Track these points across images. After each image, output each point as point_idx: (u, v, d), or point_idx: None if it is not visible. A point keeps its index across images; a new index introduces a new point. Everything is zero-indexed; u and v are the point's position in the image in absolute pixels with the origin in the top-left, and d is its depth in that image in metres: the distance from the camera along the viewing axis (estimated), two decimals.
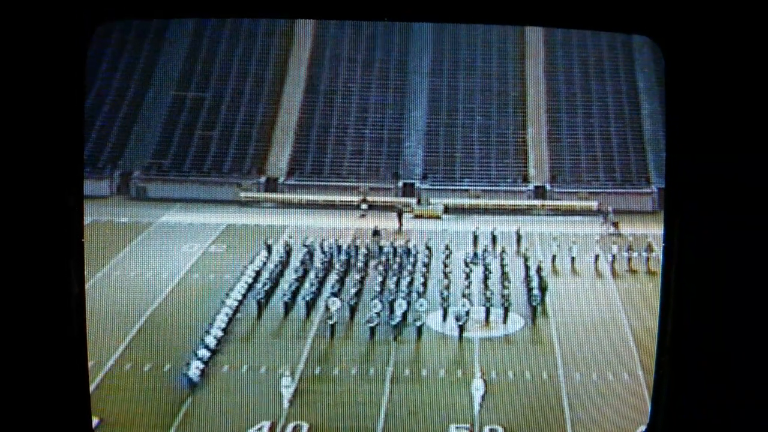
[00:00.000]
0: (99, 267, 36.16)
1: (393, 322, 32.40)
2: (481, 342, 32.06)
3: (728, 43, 11.00)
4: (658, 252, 36.90)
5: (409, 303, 33.55)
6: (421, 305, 33.06)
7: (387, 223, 43.00)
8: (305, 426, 26.63)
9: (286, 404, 27.39)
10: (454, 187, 48.56)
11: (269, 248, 38.33)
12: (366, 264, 37.36)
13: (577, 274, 38.00)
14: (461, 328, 32.31)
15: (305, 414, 27.18)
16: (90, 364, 12.51)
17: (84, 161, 12.01)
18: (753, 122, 11.13)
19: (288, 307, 33.89)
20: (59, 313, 11.41)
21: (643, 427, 23.27)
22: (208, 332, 30.76)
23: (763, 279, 11.24)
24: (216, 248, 39.95)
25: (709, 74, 11.09)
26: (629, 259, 38.53)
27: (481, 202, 47.30)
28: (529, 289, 35.32)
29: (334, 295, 34.08)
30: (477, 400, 27.50)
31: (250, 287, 34.72)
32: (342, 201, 46.58)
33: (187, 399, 27.79)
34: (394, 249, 38.70)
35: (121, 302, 33.16)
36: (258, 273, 35.98)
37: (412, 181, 48.92)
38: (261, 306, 33.71)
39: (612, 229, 42.70)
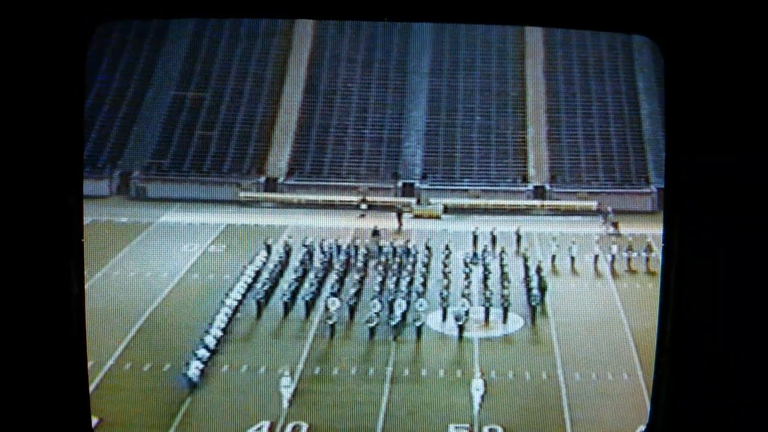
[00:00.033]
0: (99, 267, 36.15)
1: (392, 322, 32.39)
2: (480, 342, 32.06)
3: (728, 43, 11.00)
4: (657, 252, 36.90)
5: (408, 303, 33.55)
6: (420, 305, 33.06)
7: (387, 223, 43.00)
8: (305, 426, 26.63)
9: (285, 404, 27.39)
10: (453, 187, 48.56)
11: (269, 248, 38.32)
12: (365, 264, 37.36)
13: (576, 274, 38.00)
14: (461, 328, 32.31)
15: (305, 414, 27.19)
16: (90, 363, 12.51)
17: (84, 161, 12.01)
18: (753, 122, 11.14)
19: (287, 307, 33.89)
20: (59, 313, 11.41)
21: (643, 427, 23.28)
22: (207, 332, 30.75)
23: (763, 279, 11.25)
24: (215, 248, 39.94)
25: (708, 74, 11.09)
26: (629, 260, 38.53)
27: (481, 202, 47.29)
28: (529, 289, 35.32)
29: (334, 295, 34.08)
30: (476, 400, 27.50)
31: (250, 287, 34.71)
32: (341, 201, 46.58)
33: (187, 399, 27.79)
34: (394, 249, 38.69)
35: (121, 302, 33.16)
36: (257, 273, 35.97)
37: (412, 181, 48.91)
38: (260, 306, 33.71)
39: (611, 229, 42.70)
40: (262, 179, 48.90)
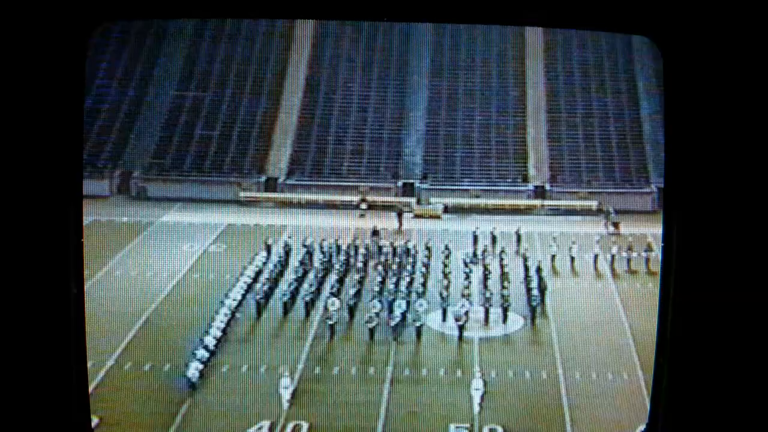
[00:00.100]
0: (99, 267, 36.17)
1: (392, 323, 32.38)
2: (480, 342, 32.07)
3: (728, 43, 11.01)
4: (657, 252, 36.89)
5: (408, 303, 33.55)
6: (420, 305, 33.06)
7: (387, 222, 43.00)
8: (305, 426, 26.64)
9: (285, 405, 27.39)
10: (453, 187, 48.57)
11: (269, 248, 38.32)
12: (365, 264, 37.35)
13: (576, 274, 38.00)
14: (461, 328, 32.30)
15: (305, 414, 27.19)
16: (90, 363, 12.51)
17: (84, 161, 12.02)
18: (752, 122, 11.14)
19: (287, 307, 33.89)
20: (58, 313, 11.41)
21: (642, 427, 23.29)
22: (207, 333, 30.73)
23: (763, 279, 11.25)
24: (216, 248, 39.95)
25: (708, 74, 11.10)
26: (629, 259, 38.53)
27: (481, 201, 47.30)
28: (529, 289, 35.31)
29: (334, 295, 34.07)
30: (476, 400, 27.50)
31: (250, 287, 34.70)
32: (342, 201, 46.59)
33: (187, 399, 27.79)
34: (394, 249, 38.69)
35: (121, 302, 33.17)
36: (257, 273, 35.96)
37: (412, 180, 48.92)
38: (260, 306, 33.70)
39: (612, 229, 42.71)
40: (263, 179, 48.91)
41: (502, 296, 34.18)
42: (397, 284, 35.56)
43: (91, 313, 12.59)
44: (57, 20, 10.79)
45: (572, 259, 38.64)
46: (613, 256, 38.78)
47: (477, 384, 27.77)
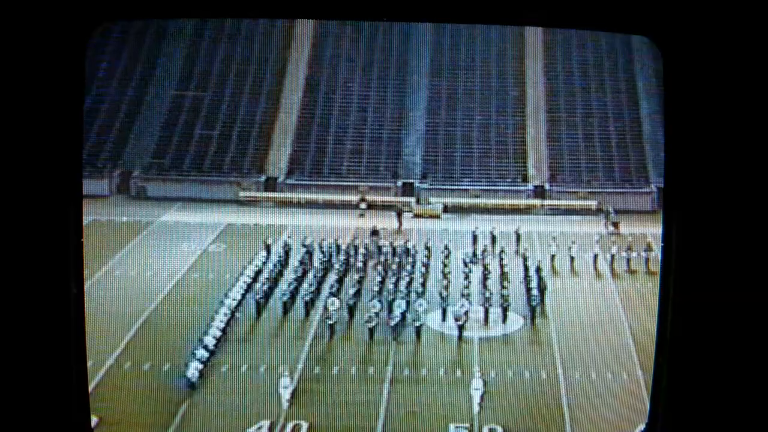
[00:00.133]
0: (99, 266, 36.17)
1: (392, 322, 32.37)
2: (480, 342, 32.07)
3: (728, 42, 11.01)
4: (657, 252, 36.90)
5: (408, 303, 33.55)
6: (420, 305, 33.05)
7: (386, 222, 43.01)
8: (305, 425, 26.64)
9: (285, 405, 27.39)
10: (453, 187, 48.57)
11: (268, 248, 38.32)
12: (365, 264, 37.35)
13: (576, 274, 38.00)
14: (460, 328, 32.30)
15: (305, 413, 27.19)
16: (89, 363, 12.51)
17: (83, 161, 12.03)
18: (752, 122, 11.15)
19: (287, 307, 33.89)
20: (58, 313, 11.41)
21: (642, 427, 23.31)
22: (206, 333, 30.71)
23: (763, 279, 11.25)
24: (215, 248, 39.95)
25: (708, 74, 11.10)
26: (628, 259, 38.52)
27: (481, 201, 47.31)
28: (528, 289, 35.31)
29: (333, 295, 34.06)
30: (476, 399, 27.50)
31: (249, 287, 34.70)
32: (341, 200, 46.60)
33: (187, 398, 27.79)
34: (393, 249, 38.69)
35: (121, 301, 33.16)
36: (257, 273, 35.96)
37: (412, 180, 48.92)
38: (260, 306, 33.69)
39: (611, 229, 42.71)
40: (262, 179, 48.92)
41: (502, 296, 34.18)
42: (396, 284, 35.56)
43: (90, 312, 12.59)
44: (57, 20, 10.79)
45: (572, 258, 38.64)
46: (612, 256, 38.78)
47: (477, 384, 27.77)
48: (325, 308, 33.12)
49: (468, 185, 48.65)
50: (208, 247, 39.92)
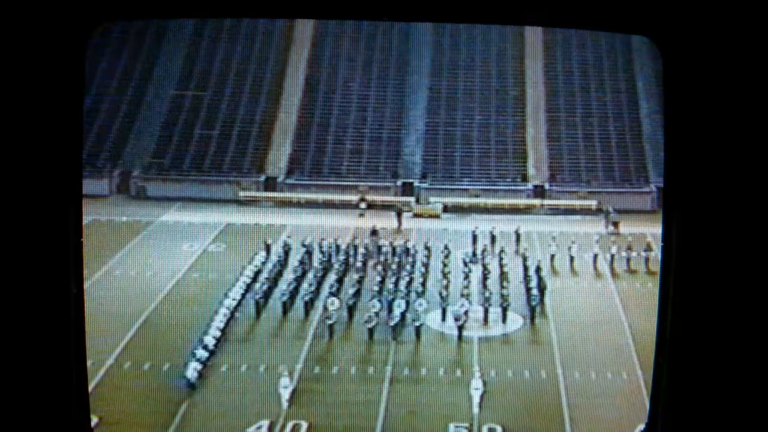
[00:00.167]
0: (99, 266, 36.18)
1: (392, 322, 32.37)
2: (480, 341, 32.08)
3: (727, 42, 11.02)
4: (657, 251, 36.91)
5: (407, 303, 33.54)
6: (420, 305, 33.04)
7: (386, 222, 43.01)
8: (304, 425, 26.64)
9: (284, 406, 27.38)
10: (453, 187, 48.59)
11: (268, 248, 38.32)
12: (365, 264, 37.34)
13: (576, 274, 38.01)
14: (460, 328, 32.30)
15: (304, 413, 27.20)
16: (89, 363, 12.51)
17: (83, 160, 12.04)
18: (752, 122, 11.15)
19: (286, 307, 33.88)
20: (58, 313, 11.41)
21: (642, 426, 23.31)
22: (206, 333, 30.70)
23: (763, 279, 11.25)
24: (215, 247, 39.96)
25: (708, 74, 11.10)
26: (628, 259, 38.53)
27: (480, 201, 47.33)
28: (528, 289, 35.31)
29: (333, 295, 34.05)
30: (476, 399, 27.50)
31: (249, 287, 34.69)
32: (341, 200, 46.61)
33: (187, 398, 27.79)
34: (393, 249, 38.70)
35: (121, 301, 33.17)
36: (257, 273, 35.94)
37: (412, 180, 48.94)
38: (259, 306, 33.69)
39: (611, 228, 42.72)
40: (262, 178, 48.92)
41: (502, 296, 34.18)
42: (396, 284, 35.56)
43: (90, 312, 12.59)
44: (57, 20, 10.79)
45: (571, 258, 38.64)
46: (612, 256, 38.78)
47: (476, 384, 27.77)
48: (325, 308, 33.12)
49: (468, 185, 48.66)
50: (207, 247, 39.93)
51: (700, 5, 10.99)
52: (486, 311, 33.73)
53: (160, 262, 37.51)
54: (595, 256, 38.74)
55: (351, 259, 38.01)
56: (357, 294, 34.52)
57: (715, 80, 11.08)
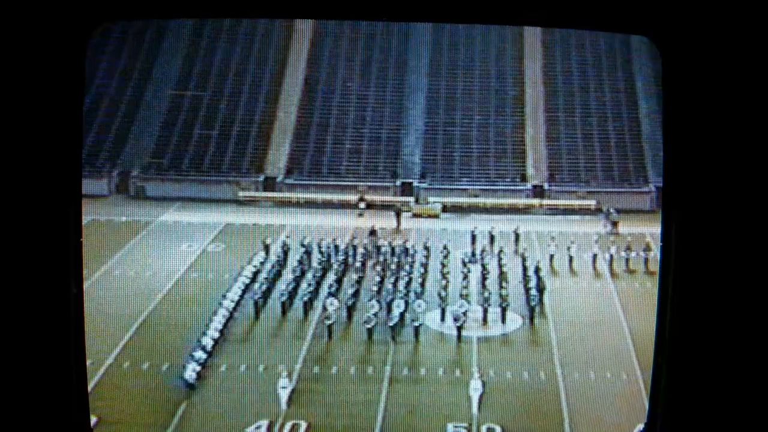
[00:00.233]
0: (98, 266, 36.18)
1: (391, 323, 32.37)
2: (479, 342, 32.08)
3: (727, 42, 11.02)
4: (656, 251, 36.93)
5: (407, 303, 33.53)
6: (419, 305, 33.03)
7: (385, 222, 43.02)
8: (303, 425, 26.64)
9: (283, 406, 27.37)
10: (452, 186, 48.62)
11: (267, 248, 38.31)
12: (364, 264, 37.34)
13: (575, 274, 38.03)
14: (459, 328, 32.29)
15: (303, 413, 27.19)
16: (88, 362, 12.51)
17: (82, 160, 12.03)
18: (752, 121, 11.15)
19: (285, 307, 33.87)
20: (57, 313, 11.41)
21: (641, 426, 23.31)
22: (204, 334, 30.67)
23: (763, 279, 11.26)
24: (214, 247, 39.97)
25: (707, 74, 11.11)
26: (627, 259, 38.54)
27: (480, 201, 47.36)
28: (527, 289, 35.30)
29: (332, 295, 34.03)
30: (475, 400, 27.49)
31: (248, 287, 34.68)
32: (340, 200, 46.61)
33: (186, 398, 27.79)
34: (392, 249, 38.70)
35: (120, 301, 33.17)
36: (255, 273, 35.93)
37: (411, 180, 48.96)
38: (258, 306, 33.67)
39: (610, 228, 42.74)
40: (261, 178, 48.94)
41: (501, 296, 34.17)
42: (395, 284, 35.55)
43: (89, 312, 12.59)
44: (57, 20, 10.79)
45: (571, 258, 38.66)
46: (611, 256, 38.80)
47: (476, 384, 27.75)
48: (324, 308, 33.10)
49: (467, 185, 48.69)
50: (207, 247, 39.94)
51: (700, 5, 10.99)
52: (485, 311, 33.73)
53: (159, 262, 37.52)
54: (594, 256, 38.75)
55: (350, 259, 38.02)
56: (356, 294, 34.51)
57: (715, 80, 11.09)
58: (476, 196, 47.80)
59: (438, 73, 53.72)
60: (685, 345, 11.36)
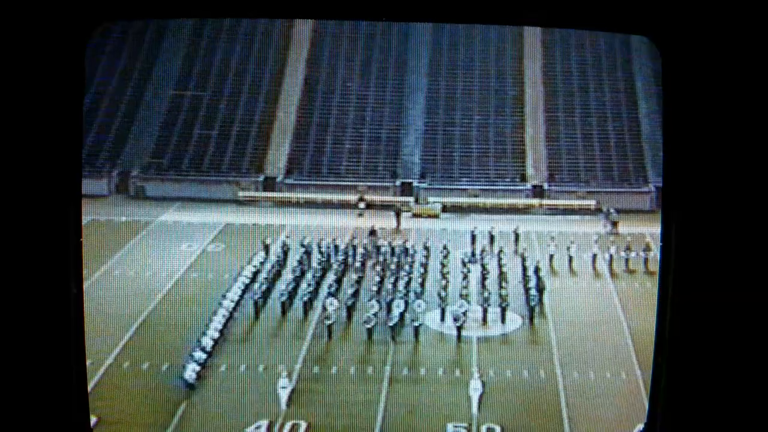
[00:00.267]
0: (98, 266, 36.17)
1: (391, 323, 32.36)
2: (479, 342, 32.08)
3: (727, 42, 11.02)
4: (655, 251, 36.93)
5: (406, 303, 33.52)
6: (419, 305, 33.02)
7: (385, 222, 43.01)
8: (303, 425, 26.64)
9: (283, 407, 27.37)
10: (452, 186, 48.61)
11: (267, 248, 38.31)
12: (364, 264, 37.33)
13: (574, 274, 38.03)
14: (459, 328, 32.29)
15: (303, 413, 27.19)
16: (88, 362, 12.51)
17: (82, 160, 12.03)
18: (752, 121, 11.15)
19: (285, 307, 33.86)
20: (57, 313, 11.41)
21: (641, 426, 23.32)
22: (204, 334, 30.66)
23: (763, 279, 11.26)
24: (214, 247, 39.96)
25: (707, 74, 11.11)
26: (627, 259, 38.54)
27: (479, 201, 47.35)
28: (527, 289, 35.30)
29: (332, 295, 34.02)
30: (475, 400, 27.49)
31: (248, 287, 34.67)
32: (340, 200, 46.61)
33: (186, 398, 27.78)
34: (392, 249, 38.69)
35: (120, 301, 33.16)
36: (255, 273, 35.92)
37: (411, 180, 48.95)
38: (258, 306, 33.67)
39: (610, 228, 42.74)
40: (261, 178, 48.93)
41: (501, 296, 34.16)
42: (395, 284, 35.53)
43: (89, 312, 12.59)
44: (57, 20, 10.79)
45: (570, 258, 38.65)
46: (611, 256, 38.79)
47: (475, 385, 27.75)
48: (324, 308, 33.09)
49: (467, 185, 48.68)
50: (206, 247, 39.93)
51: (700, 5, 11.00)
52: (485, 311, 33.72)
53: (159, 262, 37.52)
54: (594, 256, 38.75)
55: (350, 260, 38.01)
56: (356, 294, 34.51)
57: (715, 80, 11.09)
58: (476, 196, 47.79)
59: (438, 73, 53.71)
60: (685, 345, 11.36)
